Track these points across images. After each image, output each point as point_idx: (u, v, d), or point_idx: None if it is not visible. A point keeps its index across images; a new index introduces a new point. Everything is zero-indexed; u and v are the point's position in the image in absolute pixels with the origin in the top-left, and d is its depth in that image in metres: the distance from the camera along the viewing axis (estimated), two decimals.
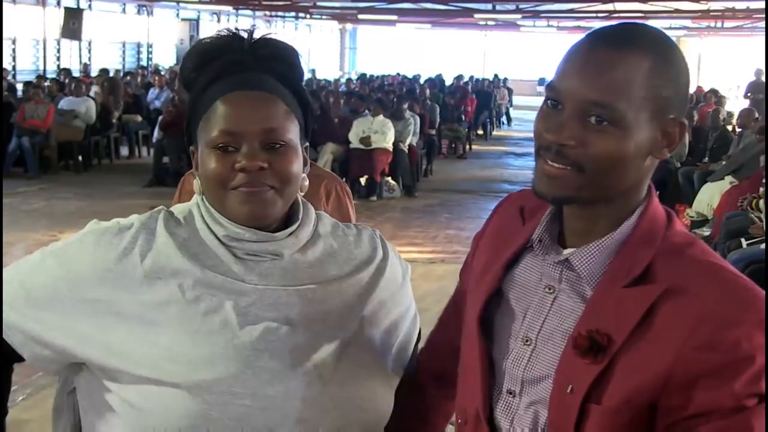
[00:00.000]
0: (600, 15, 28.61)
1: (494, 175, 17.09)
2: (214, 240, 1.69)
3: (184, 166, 11.81)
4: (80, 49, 25.32)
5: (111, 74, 20.76)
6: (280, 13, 33.77)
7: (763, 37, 31.17)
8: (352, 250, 1.82)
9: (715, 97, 18.46)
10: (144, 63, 28.52)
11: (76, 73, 21.92)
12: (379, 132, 14.03)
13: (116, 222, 1.75)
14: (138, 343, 1.64)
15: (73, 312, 1.67)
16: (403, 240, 10.59)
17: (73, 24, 21.61)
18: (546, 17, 30.45)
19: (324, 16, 35.69)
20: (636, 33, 1.49)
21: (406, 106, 15.47)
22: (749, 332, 1.40)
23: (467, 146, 20.49)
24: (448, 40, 40.52)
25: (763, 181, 8.19)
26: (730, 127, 14.24)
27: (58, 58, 25.90)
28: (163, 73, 21.69)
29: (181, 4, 28.44)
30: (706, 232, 10.96)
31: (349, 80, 27.85)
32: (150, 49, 29.80)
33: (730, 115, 16.01)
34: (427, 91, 20.69)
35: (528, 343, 1.56)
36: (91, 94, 16.77)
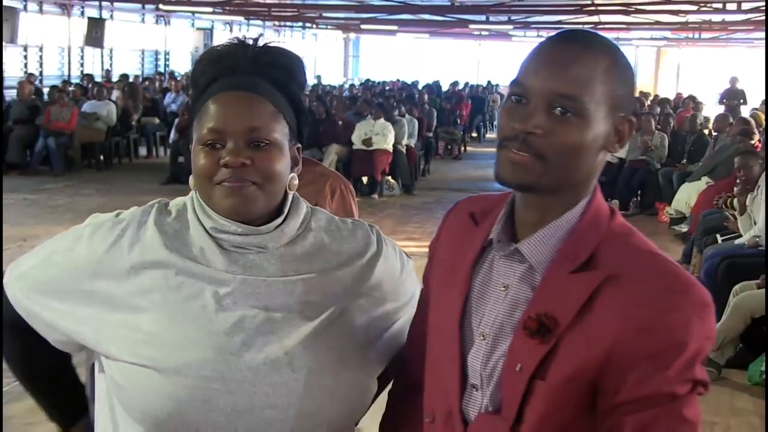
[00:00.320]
0: (586, 26, 28.60)
1: (487, 174, 17.06)
2: (202, 232, 1.69)
3: None
4: (102, 56, 25.29)
5: (131, 80, 20.74)
6: (288, 23, 33.72)
7: (738, 48, 31.19)
8: (342, 244, 1.79)
9: (692, 103, 18.45)
10: (161, 69, 28.49)
11: (98, 79, 21.89)
12: (380, 134, 14.07)
13: (113, 215, 1.76)
14: (123, 330, 1.66)
15: (74, 301, 1.71)
16: (402, 235, 10.59)
17: (95, 33, 21.58)
18: (536, 28, 30.40)
19: (329, 26, 35.65)
20: (594, 36, 1.53)
21: (399, 111, 15.51)
22: (684, 318, 1.42)
23: (462, 148, 20.56)
24: (445, 48, 40.45)
25: (737, 181, 8.17)
26: (706, 131, 14.24)
27: (82, 65, 25.87)
28: (179, 78, 21.64)
29: (196, 15, 28.42)
30: (684, 228, 11.00)
31: (352, 86, 27.83)
32: (167, 57, 29.77)
33: (706, 120, 16.02)
34: (425, 97, 20.68)
35: (484, 338, 1.56)
36: (113, 98, 16.76)
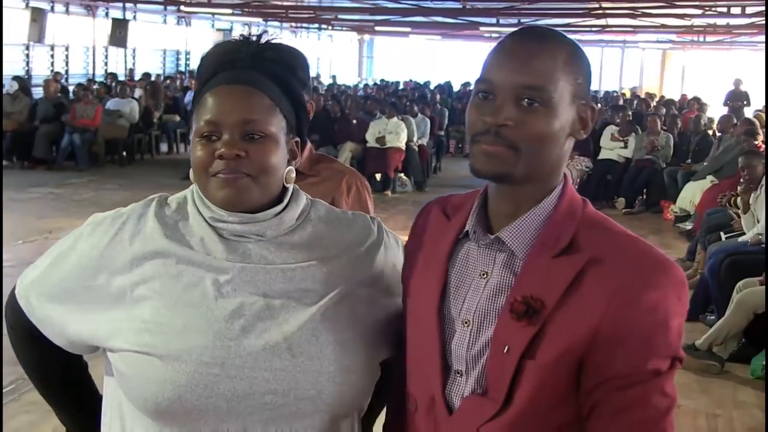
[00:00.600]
0: (594, 29, 28.51)
1: None
2: (202, 221, 1.68)
3: None
4: (125, 56, 25.33)
5: (153, 78, 20.78)
6: (304, 25, 33.72)
7: (742, 51, 31.06)
8: (342, 233, 1.78)
9: (697, 104, 18.40)
10: (182, 68, 28.52)
11: (121, 77, 21.96)
12: (393, 132, 14.07)
13: (114, 211, 1.76)
14: (126, 320, 1.65)
15: (82, 299, 1.71)
16: None
17: (119, 33, 21.61)
18: None
19: (344, 28, 35.62)
20: (551, 32, 1.56)
21: (412, 110, 15.46)
22: (664, 296, 1.46)
23: None
24: (457, 50, 40.39)
25: (741, 180, 8.14)
26: (710, 132, 14.18)
27: (106, 64, 25.92)
28: None
29: (216, 16, 28.43)
30: (688, 226, 10.96)
31: (366, 86, 27.81)
32: (188, 56, 29.77)
33: (710, 120, 15.95)
34: (437, 97, 20.67)
35: (467, 324, 1.58)
36: (135, 96, 16.79)
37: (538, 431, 1.51)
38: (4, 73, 20.39)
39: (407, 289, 1.72)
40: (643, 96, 23.68)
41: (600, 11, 21.64)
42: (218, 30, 31.39)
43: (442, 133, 17.91)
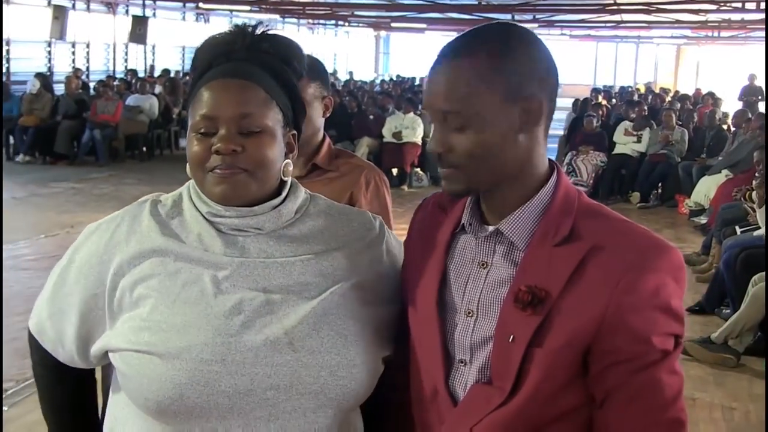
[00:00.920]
0: (608, 24, 28.41)
1: None
2: (199, 217, 1.65)
3: None
4: (145, 53, 25.41)
5: (172, 75, 20.84)
6: (321, 21, 33.75)
7: (756, 46, 30.87)
8: (342, 227, 1.74)
9: (712, 99, 18.31)
10: None
11: (141, 74, 22.03)
12: (410, 128, 14.06)
13: (108, 217, 1.73)
14: (127, 321, 1.63)
15: (92, 307, 1.68)
16: None
17: (139, 30, 21.67)
18: (560, 26, 30.26)
19: (361, 24, 35.63)
20: (468, 40, 1.54)
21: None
22: (664, 279, 1.47)
23: None
24: None
25: (756, 174, 8.10)
26: (725, 127, 14.11)
27: (126, 60, 26.01)
28: None
29: (234, 13, 28.49)
30: (703, 220, 10.91)
31: (383, 81, 27.80)
32: None
33: (725, 115, 15.87)
34: None
35: (470, 314, 1.58)
36: (155, 92, 16.84)
37: (545, 418, 1.51)
38: (27, 70, 20.56)
39: (407, 282, 1.71)
40: (657, 91, 23.59)
41: (615, 7, 21.57)
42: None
43: None
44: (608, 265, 1.47)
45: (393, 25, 32.85)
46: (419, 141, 14.12)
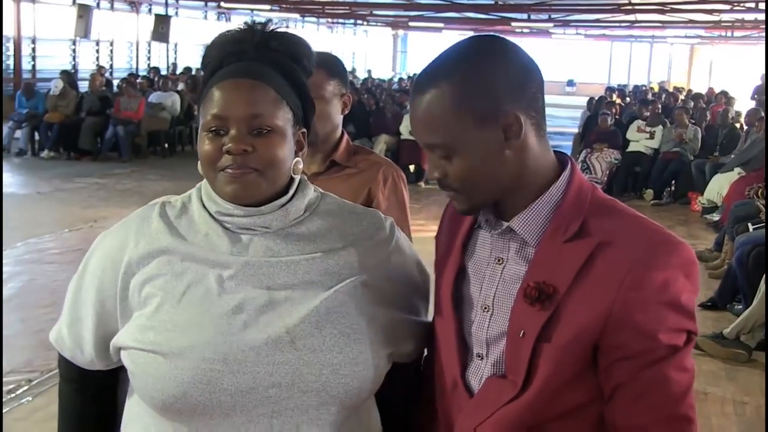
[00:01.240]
0: (623, 24, 28.30)
1: None
2: (207, 217, 1.65)
3: None
4: (168, 51, 25.50)
5: (194, 72, 20.88)
6: (340, 20, 33.77)
7: None
8: (351, 226, 1.71)
9: (725, 98, 18.20)
10: None
11: (163, 72, 22.09)
12: None
13: (120, 222, 1.73)
14: (135, 319, 1.63)
15: (109, 309, 1.68)
16: None
17: (161, 28, 21.75)
18: (575, 26, 30.17)
19: (379, 23, 35.64)
20: (433, 71, 1.53)
21: None
22: (673, 275, 1.45)
23: None
24: None
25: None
26: (738, 125, 14.04)
27: (149, 58, 26.12)
28: None
29: (255, 12, 28.54)
30: (715, 217, 10.87)
31: (400, 79, 27.79)
32: None
33: (738, 114, 15.79)
34: None
35: (486, 309, 1.59)
36: (178, 89, 16.88)
37: (553, 412, 1.51)
38: (52, 67, 20.68)
39: (436, 277, 1.72)
40: (671, 90, 23.49)
41: (629, 7, 21.49)
42: None
43: None
44: (616, 261, 1.45)
45: (410, 24, 32.84)
46: None
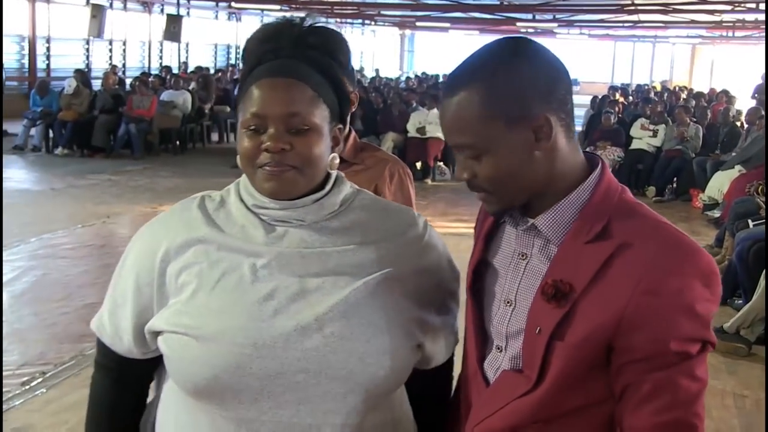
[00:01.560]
0: (626, 24, 28.24)
1: None
2: (243, 209, 1.66)
3: None
4: (179, 50, 25.50)
5: (204, 71, 20.90)
6: (349, 20, 33.75)
7: None
8: (385, 221, 1.72)
9: (726, 97, 18.18)
10: (233, 62, 28.69)
11: (175, 70, 22.11)
12: (434, 123, 14.01)
13: (162, 213, 1.75)
14: (171, 306, 1.65)
15: (148, 296, 1.69)
16: (453, 216, 10.52)
17: (173, 28, 21.75)
18: (579, 26, 30.12)
19: (387, 23, 35.64)
20: (464, 72, 1.52)
21: None
22: (689, 282, 1.43)
23: None
24: None
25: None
26: (738, 123, 14.00)
27: (161, 57, 26.16)
28: None
29: (265, 12, 28.56)
30: (716, 214, 10.84)
31: (407, 78, 27.78)
32: (238, 50, 29.89)
33: (738, 112, 15.75)
34: None
35: (509, 303, 1.59)
36: (189, 87, 16.90)
37: (564, 409, 1.51)
38: (66, 66, 20.72)
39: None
40: (672, 88, 23.43)
41: (632, 7, 21.45)
42: None
43: None
44: (632, 263, 1.44)
45: (418, 24, 32.83)
46: (442, 136, 14.03)
